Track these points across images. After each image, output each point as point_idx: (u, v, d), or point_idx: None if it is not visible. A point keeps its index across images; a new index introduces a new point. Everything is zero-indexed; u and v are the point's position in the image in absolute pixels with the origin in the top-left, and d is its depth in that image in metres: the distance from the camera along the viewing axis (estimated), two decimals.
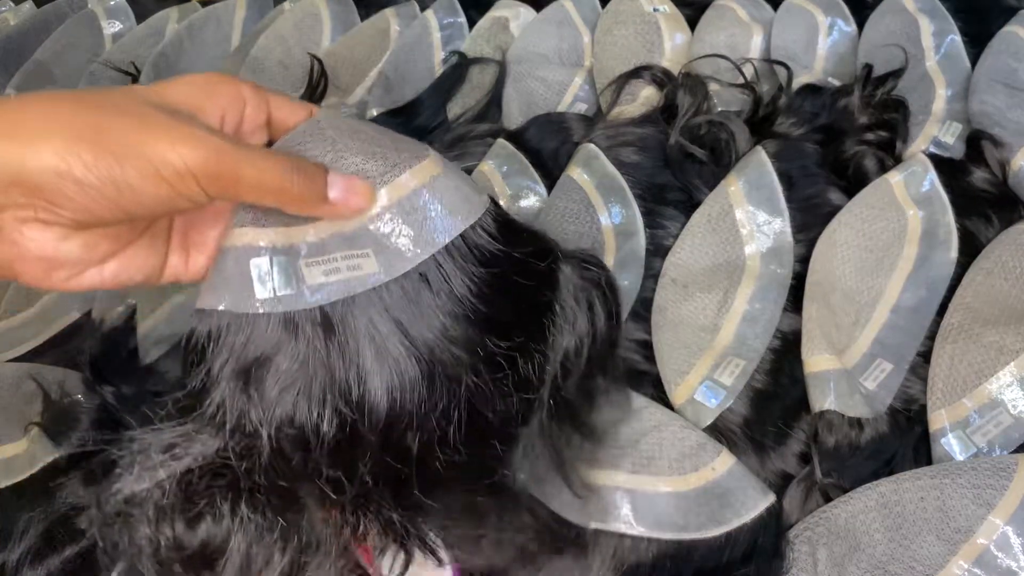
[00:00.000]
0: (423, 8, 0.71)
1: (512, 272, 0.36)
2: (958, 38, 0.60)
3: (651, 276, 0.52)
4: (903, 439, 0.44)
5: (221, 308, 0.32)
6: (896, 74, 0.58)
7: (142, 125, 0.29)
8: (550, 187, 0.57)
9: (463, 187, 0.36)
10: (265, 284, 0.32)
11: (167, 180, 0.28)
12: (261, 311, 0.32)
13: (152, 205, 0.29)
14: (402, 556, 0.37)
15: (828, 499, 0.43)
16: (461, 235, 0.35)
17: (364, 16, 0.73)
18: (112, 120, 0.28)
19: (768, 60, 0.61)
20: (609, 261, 0.52)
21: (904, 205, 0.52)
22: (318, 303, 0.33)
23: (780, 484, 0.44)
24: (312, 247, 0.33)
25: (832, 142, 0.57)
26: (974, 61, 0.59)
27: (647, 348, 0.49)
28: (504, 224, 0.37)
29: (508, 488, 0.38)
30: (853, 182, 0.54)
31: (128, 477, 0.33)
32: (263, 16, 0.75)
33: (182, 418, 0.33)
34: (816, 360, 0.46)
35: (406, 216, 0.34)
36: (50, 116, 0.28)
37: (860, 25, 0.64)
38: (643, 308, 0.51)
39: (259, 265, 0.33)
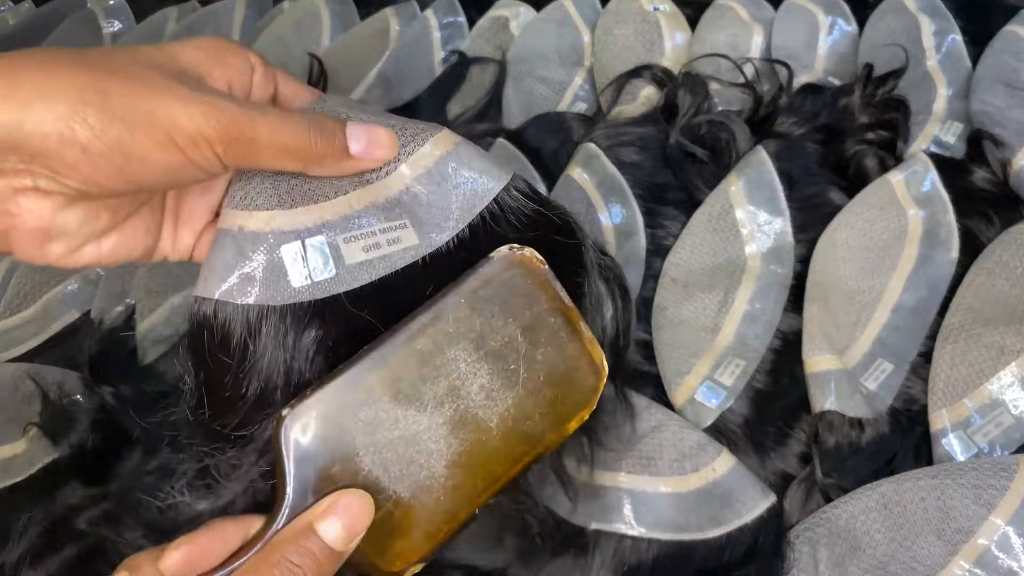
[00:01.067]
0: (423, 7, 0.71)
1: (550, 235, 0.35)
2: (959, 37, 0.60)
3: (651, 276, 0.52)
4: (904, 439, 0.44)
5: (251, 302, 0.30)
6: (897, 73, 0.58)
7: (150, 89, 0.27)
8: (550, 187, 0.57)
9: (484, 154, 0.35)
10: (300, 271, 0.31)
11: (179, 146, 0.27)
12: (298, 300, 0.30)
13: (161, 175, 0.27)
14: None
15: (829, 499, 0.43)
16: (495, 199, 0.34)
17: (364, 16, 0.73)
18: (118, 83, 0.26)
19: (769, 59, 0.61)
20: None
21: (905, 205, 0.51)
22: (361, 283, 0.31)
23: (781, 484, 0.44)
24: (347, 220, 0.32)
25: (833, 142, 0.56)
26: (975, 60, 0.59)
27: (647, 348, 0.49)
28: (531, 187, 0.36)
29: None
30: (854, 182, 0.54)
31: (196, 495, 0.32)
32: (262, 16, 0.75)
33: (246, 429, 0.31)
34: (817, 360, 0.46)
35: (437, 186, 0.33)
36: (50, 77, 0.26)
37: (861, 24, 0.64)
38: (643, 308, 0.51)
39: (292, 251, 0.31)
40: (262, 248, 0.30)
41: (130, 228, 0.31)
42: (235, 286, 0.30)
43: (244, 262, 0.30)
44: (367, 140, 0.32)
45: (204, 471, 0.33)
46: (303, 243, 0.31)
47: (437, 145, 0.34)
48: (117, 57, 0.28)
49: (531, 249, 0.33)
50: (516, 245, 0.33)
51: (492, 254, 0.33)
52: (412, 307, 0.32)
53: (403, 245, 0.32)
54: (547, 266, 0.33)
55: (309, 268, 0.31)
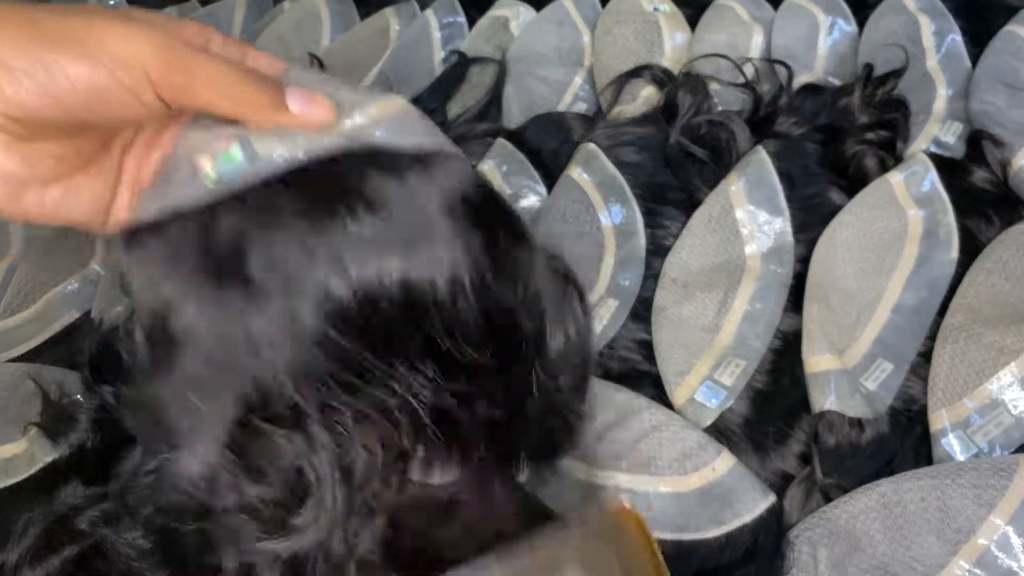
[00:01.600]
0: (423, 7, 0.71)
1: (486, 207, 0.34)
2: (959, 37, 0.60)
3: (651, 276, 0.52)
4: (904, 439, 0.44)
5: (169, 205, 0.29)
6: (897, 74, 0.58)
7: (85, 16, 0.27)
8: (550, 187, 0.57)
9: (431, 127, 0.34)
10: (211, 169, 0.29)
11: (106, 65, 0.27)
12: (215, 196, 0.29)
13: (88, 96, 0.27)
14: None
15: (828, 499, 0.43)
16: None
17: (364, 15, 0.73)
18: (53, 14, 0.27)
19: (769, 59, 0.61)
20: (609, 261, 0.52)
21: (905, 205, 0.51)
22: (283, 166, 0.30)
23: (781, 484, 0.44)
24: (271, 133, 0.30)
25: (833, 142, 0.56)
26: (975, 60, 0.59)
27: (647, 348, 0.49)
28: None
29: None
30: (854, 182, 0.54)
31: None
32: (263, 16, 0.75)
33: None
34: (817, 360, 0.46)
35: (384, 137, 0.32)
36: None
37: (861, 24, 0.64)
38: (643, 308, 0.51)
39: (213, 150, 0.30)
40: (181, 155, 0.30)
41: (77, 184, 0.31)
42: (154, 201, 0.30)
43: (165, 176, 0.30)
44: (305, 100, 0.31)
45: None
46: (219, 145, 0.30)
47: (384, 107, 0.33)
48: (73, 4, 0.29)
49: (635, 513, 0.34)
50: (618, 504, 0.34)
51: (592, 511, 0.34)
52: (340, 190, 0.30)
53: (326, 139, 0.31)
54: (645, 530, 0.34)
55: (219, 166, 0.30)
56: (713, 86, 0.60)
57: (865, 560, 0.40)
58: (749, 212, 0.52)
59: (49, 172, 0.30)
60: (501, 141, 0.59)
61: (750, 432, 0.46)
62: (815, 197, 0.54)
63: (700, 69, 0.61)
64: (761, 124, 0.58)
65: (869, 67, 0.59)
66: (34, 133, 0.28)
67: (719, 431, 0.46)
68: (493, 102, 0.64)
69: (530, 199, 0.57)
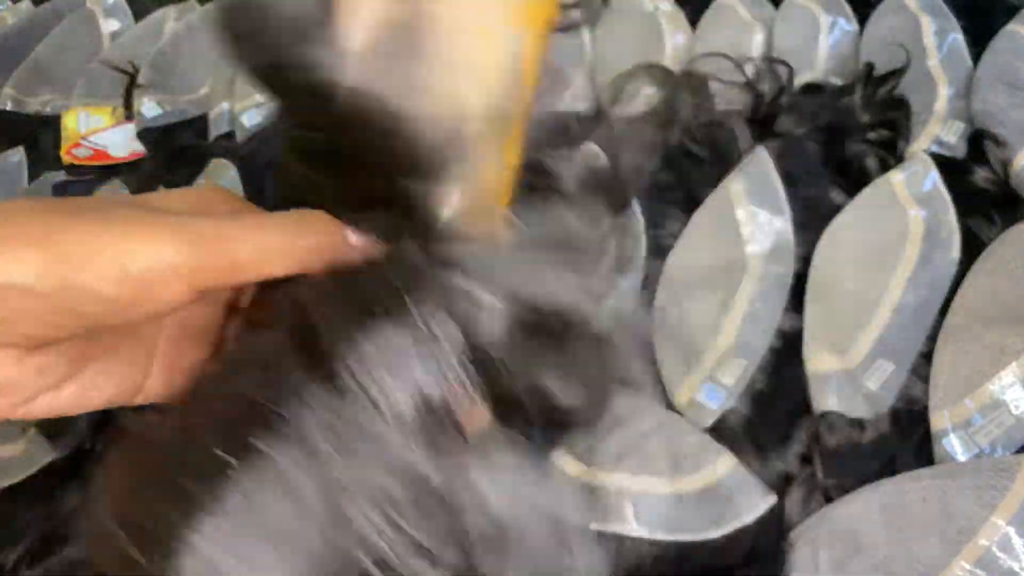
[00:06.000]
0: None
1: None
2: (960, 37, 0.60)
3: (651, 276, 0.52)
4: (905, 440, 0.44)
5: None
6: (898, 73, 0.58)
7: (104, 221, 0.25)
8: None
9: None
10: None
11: (135, 280, 0.24)
12: None
13: (114, 309, 0.25)
14: None
15: (830, 500, 0.43)
16: None
17: None
18: (68, 220, 0.24)
19: (769, 59, 0.61)
20: (609, 261, 0.52)
21: (906, 204, 0.51)
22: None
23: (781, 485, 0.44)
24: None
25: (834, 141, 0.56)
26: (976, 60, 0.59)
27: (647, 348, 0.49)
28: None
29: None
30: (855, 181, 0.54)
31: None
32: None
33: None
34: (817, 360, 0.46)
35: None
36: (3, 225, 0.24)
37: (862, 24, 0.64)
38: (643, 308, 0.51)
39: None
40: None
41: (92, 378, 0.28)
42: None
43: None
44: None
45: None
46: None
47: None
48: (82, 199, 0.27)
49: None
50: None
51: None
52: None
53: None
54: None
55: None
56: (714, 85, 0.60)
57: (866, 561, 0.40)
58: (750, 212, 0.52)
59: (63, 374, 0.27)
60: None
61: (751, 432, 0.46)
62: (816, 197, 0.54)
63: (701, 69, 0.61)
64: (762, 124, 0.58)
65: (870, 66, 0.59)
66: (50, 342, 0.26)
67: (720, 431, 0.45)
68: None
69: None
